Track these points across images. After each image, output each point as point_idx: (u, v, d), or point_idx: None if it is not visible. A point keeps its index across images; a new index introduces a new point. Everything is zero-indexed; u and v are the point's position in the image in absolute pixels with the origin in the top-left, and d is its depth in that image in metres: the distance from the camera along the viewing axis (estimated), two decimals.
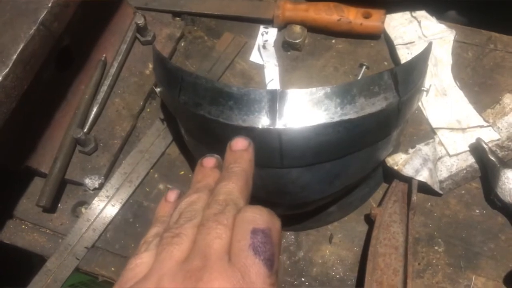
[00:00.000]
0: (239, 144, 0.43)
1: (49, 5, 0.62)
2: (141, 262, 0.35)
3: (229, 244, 0.33)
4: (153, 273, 0.33)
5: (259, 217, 0.35)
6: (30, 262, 0.87)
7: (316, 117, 0.54)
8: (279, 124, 0.53)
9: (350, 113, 0.54)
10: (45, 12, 0.62)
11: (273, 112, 0.54)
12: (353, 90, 0.55)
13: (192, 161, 0.76)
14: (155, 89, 0.68)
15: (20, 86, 0.62)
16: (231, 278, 0.31)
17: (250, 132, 0.53)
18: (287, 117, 0.53)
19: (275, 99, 0.53)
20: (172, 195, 0.44)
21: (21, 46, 0.60)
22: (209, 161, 0.44)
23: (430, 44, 0.65)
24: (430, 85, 0.68)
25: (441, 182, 0.71)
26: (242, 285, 0.31)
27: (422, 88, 0.65)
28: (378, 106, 0.56)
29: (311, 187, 0.60)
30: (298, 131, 0.54)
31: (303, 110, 0.54)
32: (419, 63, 0.62)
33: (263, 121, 0.54)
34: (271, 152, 0.55)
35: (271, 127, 0.54)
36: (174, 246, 0.34)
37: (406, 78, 0.59)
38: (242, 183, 0.40)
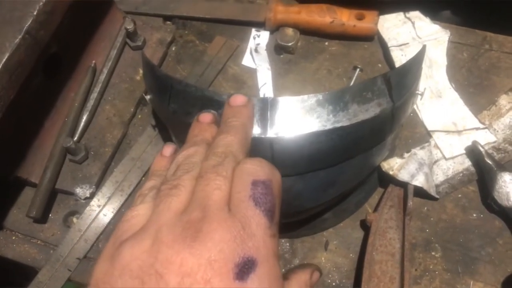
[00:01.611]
0: (238, 100, 0.42)
1: (34, 13, 0.60)
2: (138, 214, 0.34)
3: (228, 195, 0.33)
4: (151, 224, 0.32)
5: (260, 168, 0.34)
6: (22, 273, 0.85)
7: (308, 125, 0.53)
8: (271, 133, 0.52)
9: (343, 121, 0.53)
10: (30, 21, 0.60)
11: (264, 121, 0.52)
12: (346, 96, 0.53)
13: None
14: (145, 97, 0.67)
15: (6, 96, 0.60)
16: (232, 229, 0.30)
17: None
18: (278, 125, 0.52)
19: (266, 107, 0.52)
20: (168, 150, 0.43)
21: (6, 56, 0.58)
22: (206, 116, 0.43)
23: (424, 47, 0.64)
24: (425, 88, 0.67)
25: (437, 186, 0.70)
26: (242, 236, 0.30)
27: (417, 92, 0.64)
28: (372, 113, 0.54)
29: (305, 195, 0.58)
30: (290, 139, 0.52)
31: (295, 118, 0.53)
32: (413, 66, 0.61)
33: (254, 130, 0.52)
34: None
35: (262, 136, 0.52)
36: (172, 198, 0.33)
37: (400, 82, 0.58)
38: (241, 136, 0.39)
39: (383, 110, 0.55)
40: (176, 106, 0.58)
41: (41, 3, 0.61)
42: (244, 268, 0.29)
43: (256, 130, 0.52)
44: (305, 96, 0.53)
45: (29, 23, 0.60)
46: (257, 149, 0.53)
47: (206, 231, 0.30)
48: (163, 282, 0.28)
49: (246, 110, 0.42)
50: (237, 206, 0.32)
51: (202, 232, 0.30)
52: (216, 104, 0.54)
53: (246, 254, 0.30)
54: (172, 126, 0.64)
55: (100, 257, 0.32)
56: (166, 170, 0.38)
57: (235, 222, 0.31)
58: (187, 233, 0.30)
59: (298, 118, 0.53)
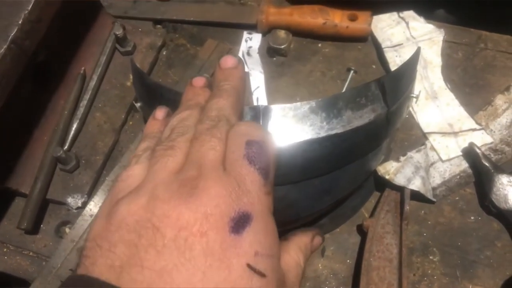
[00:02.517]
0: (228, 62, 0.42)
1: (20, 22, 0.59)
2: (133, 173, 0.35)
3: (223, 155, 0.33)
4: (147, 182, 0.32)
5: (254, 129, 0.35)
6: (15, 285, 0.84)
7: (301, 133, 0.51)
8: None
9: (337, 128, 0.52)
10: (15, 30, 0.59)
11: None
12: (339, 103, 0.52)
13: None
14: (136, 104, 0.65)
15: None
16: (227, 185, 0.31)
17: None
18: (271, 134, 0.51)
19: (258, 116, 0.51)
20: (160, 113, 0.43)
21: None
22: (199, 80, 0.43)
23: (418, 49, 0.63)
24: (420, 91, 0.66)
25: (434, 188, 0.69)
26: (237, 192, 0.31)
27: (412, 95, 0.63)
28: (366, 119, 0.53)
29: (300, 204, 0.57)
30: (284, 148, 0.51)
31: (288, 126, 0.51)
32: (408, 70, 0.60)
33: None
34: None
35: None
36: (168, 158, 0.34)
37: (394, 87, 0.57)
38: (234, 99, 0.39)
39: (377, 115, 0.54)
40: None
41: (26, 12, 0.60)
42: (240, 222, 0.30)
43: None
44: (298, 104, 0.51)
45: (14, 32, 0.59)
46: None
47: (202, 188, 0.30)
48: (160, 235, 0.29)
49: (237, 71, 0.42)
50: (232, 165, 0.33)
51: (198, 188, 0.30)
52: None
53: (241, 209, 0.30)
54: None
55: (96, 216, 0.34)
56: (160, 132, 0.39)
57: (230, 179, 0.31)
58: (183, 190, 0.31)
59: (291, 126, 0.51)
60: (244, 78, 0.42)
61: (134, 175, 0.35)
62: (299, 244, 0.41)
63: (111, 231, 0.30)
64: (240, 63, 0.42)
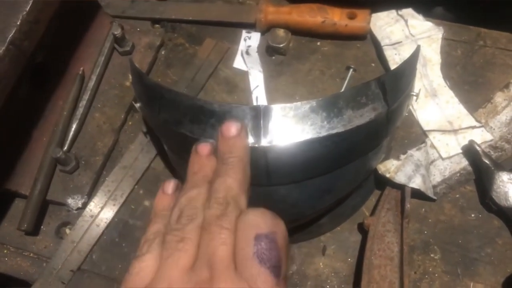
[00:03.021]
0: (231, 130, 0.42)
1: (18, 23, 0.59)
2: (146, 265, 0.35)
3: (233, 249, 0.33)
4: (161, 281, 0.33)
5: (262, 220, 0.34)
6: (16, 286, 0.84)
7: (302, 133, 0.51)
8: (264, 142, 0.51)
9: (338, 127, 0.52)
10: (13, 31, 0.59)
11: (257, 130, 0.51)
12: (340, 102, 0.52)
13: (178, 175, 0.73)
14: (135, 105, 0.65)
15: None
16: None
17: None
18: (272, 134, 0.51)
19: (258, 116, 0.51)
20: (169, 187, 0.43)
21: None
22: (204, 148, 0.43)
23: (418, 47, 0.63)
24: (420, 89, 0.66)
25: (434, 186, 0.69)
26: None
27: (412, 93, 0.63)
28: (367, 118, 0.53)
29: (301, 203, 0.57)
30: (284, 148, 0.51)
31: (289, 126, 0.51)
32: (407, 68, 0.60)
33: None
34: (258, 171, 0.53)
35: (256, 145, 0.51)
36: (180, 253, 0.34)
37: (395, 85, 0.56)
38: (240, 175, 0.39)
39: (378, 114, 0.54)
40: (167, 115, 0.57)
41: (24, 13, 0.59)
42: None
43: (250, 140, 0.51)
44: (298, 103, 0.51)
45: (12, 33, 0.59)
46: (251, 159, 0.52)
47: None
48: None
49: (240, 141, 0.41)
50: (243, 263, 0.32)
51: None
52: (207, 113, 0.53)
53: None
54: (163, 135, 0.63)
55: None
56: (169, 210, 0.39)
57: (242, 282, 0.31)
58: None
59: (291, 126, 0.51)
60: (248, 146, 0.41)
61: (147, 267, 0.35)
62: None
63: None
64: (243, 129, 0.42)
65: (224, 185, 0.37)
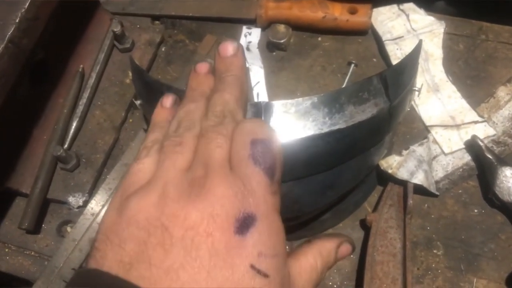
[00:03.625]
0: (228, 48, 0.42)
1: (17, 20, 0.58)
2: (143, 167, 0.36)
3: (229, 153, 0.34)
4: (158, 179, 0.33)
5: (259, 128, 0.35)
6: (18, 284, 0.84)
7: (303, 129, 0.51)
8: None
9: (340, 123, 0.52)
10: (12, 29, 0.58)
11: None
12: (341, 98, 0.52)
13: None
14: (135, 102, 0.65)
15: None
16: (233, 185, 0.31)
17: None
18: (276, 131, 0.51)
19: (259, 112, 0.51)
20: (167, 101, 0.44)
21: None
22: (202, 66, 0.44)
23: (420, 42, 0.62)
24: (422, 84, 0.65)
25: (437, 182, 0.69)
26: (243, 193, 0.31)
27: (414, 88, 0.62)
28: (369, 113, 0.53)
29: (303, 200, 0.57)
30: (286, 145, 0.51)
31: (290, 122, 0.51)
32: (409, 63, 0.59)
33: None
34: None
35: None
36: (177, 155, 0.35)
37: (396, 80, 0.56)
38: (237, 91, 0.40)
39: (380, 110, 0.54)
40: None
41: (23, 10, 0.59)
42: (244, 223, 0.31)
43: None
44: (300, 99, 0.51)
45: (11, 31, 0.58)
46: None
47: (208, 187, 0.31)
48: (168, 234, 0.30)
49: (237, 60, 0.42)
50: (238, 164, 0.33)
51: (205, 188, 0.31)
52: None
53: (246, 210, 0.31)
54: None
55: (108, 208, 0.34)
56: (168, 122, 0.40)
57: (236, 179, 0.32)
58: (192, 189, 0.31)
59: (293, 122, 0.51)
60: (245, 66, 0.42)
61: (145, 169, 0.36)
62: (320, 249, 0.40)
63: (121, 226, 0.32)
64: (240, 49, 0.42)
65: (222, 100, 0.38)
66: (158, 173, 0.34)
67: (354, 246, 0.42)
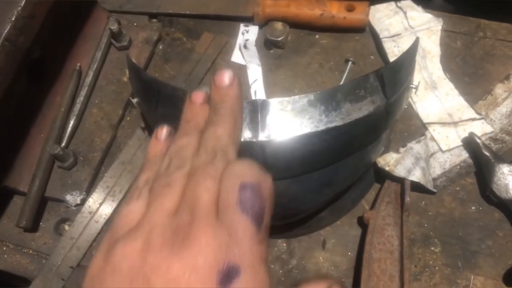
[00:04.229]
0: (223, 78, 0.41)
1: (12, 18, 0.58)
2: (133, 209, 0.35)
3: (217, 196, 0.33)
4: (144, 224, 0.33)
5: (248, 171, 0.34)
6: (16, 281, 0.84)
7: (300, 127, 0.51)
8: (262, 136, 0.51)
9: (336, 120, 0.52)
10: (8, 27, 0.58)
11: (255, 124, 0.51)
12: (338, 95, 0.52)
13: None
14: (132, 100, 0.65)
15: None
16: (218, 235, 0.30)
17: None
18: (269, 128, 0.51)
19: (256, 110, 0.51)
20: (162, 133, 0.43)
21: None
22: (198, 96, 0.43)
23: (417, 39, 0.62)
24: (419, 82, 0.65)
25: (434, 179, 0.69)
26: (228, 243, 0.30)
27: (411, 86, 0.62)
28: (365, 111, 0.53)
29: (300, 197, 0.57)
30: (282, 142, 0.51)
31: (286, 120, 0.51)
32: (406, 61, 0.59)
33: (245, 134, 0.51)
34: None
35: (254, 140, 0.51)
36: (165, 198, 0.34)
37: (393, 78, 0.56)
38: (231, 125, 0.39)
39: (377, 107, 0.54)
40: (164, 110, 0.56)
41: (19, 8, 0.59)
42: (228, 275, 0.30)
43: (247, 134, 0.51)
44: (296, 97, 0.51)
45: (7, 29, 0.58)
46: (249, 153, 0.51)
47: (193, 237, 0.30)
48: (150, 285, 0.29)
49: (233, 90, 0.41)
50: (225, 211, 0.32)
51: (189, 238, 0.30)
52: None
53: (230, 261, 0.30)
54: None
55: (97, 251, 0.34)
56: (161, 157, 0.39)
57: (222, 228, 0.31)
58: (176, 238, 0.31)
59: (289, 119, 0.51)
60: (241, 97, 0.41)
61: (134, 211, 0.35)
62: None
63: (106, 274, 0.31)
64: (236, 78, 0.41)
65: (214, 135, 0.38)
66: (145, 216, 0.34)
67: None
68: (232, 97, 0.41)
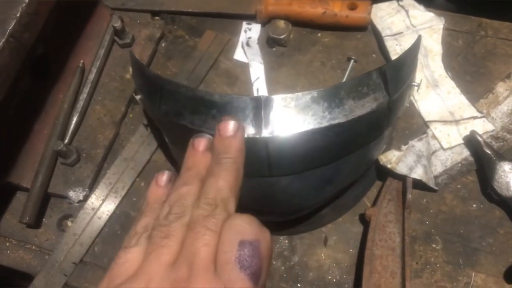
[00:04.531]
0: (228, 128, 0.42)
1: (17, 15, 0.59)
2: (131, 257, 0.36)
3: (215, 251, 0.33)
4: (142, 276, 0.33)
5: (248, 227, 0.34)
6: (18, 276, 0.85)
7: (303, 123, 0.51)
8: (265, 133, 0.51)
9: (339, 117, 0.52)
10: (13, 23, 0.58)
11: (258, 120, 0.51)
12: (341, 92, 0.52)
13: (179, 167, 0.73)
14: (135, 97, 0.65)
15: None
16: None
17: None
18: (273, 124, 0.51)
19: (259, 106, 0.51)
20: (162, 179, 0.44)
21: None
22: (200, 142, 0.43)
23: (419, 37, 0.63)
24: (421, 80, 0.65)
25: (436, 177, 0.69)
26: None
27: (413, 83, 0.62)
28: (368, 108, 0.53)
29: (303, 194, 0.57)
30: (286, 138, 0.51)
31: (290, 116, 0.51)
32: (409, 58, 0.59)
33: (248, 130, 0.51)
34: (259, 162, 0.53)
35: (257, 136, 0.51)
36: (163, 249, 0.34)
37: (396, 75, 0.56)
38: (232, 177, 0.39)
39: (379, 104, 0.54)
40: (167, 107, 0.56)
41: (24, 5, 0.59)
42: None
43: (251, 130, 0.51)
44: (299, 94, 0.51)
45: (12, 25, 0.58)
46: (252, 149, 0.52)
47: None
48: None
49: (236, 142, 0.42)
50: (223, 267, 0.32)
51: None
52: (207, 104, 0.53)
53: None
54: (164, 127, 0.63)
55: None
56: (161, 203, 0.39)
57: (219, 284, 0.31)
58: None
59: (292, 116, 0.51)
60: (243, 148, 0.41)
61: (132, 259, 0.35)
62: None
63: None
64: (240, 130, 0.42)
65: (215, 187, 0.38)
66: (143, 267, 0.34)
67: None
68: (234, 149, 0.41)
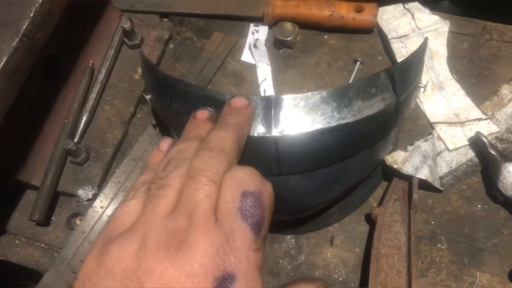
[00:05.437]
0: (239, 102, 0.42)
1: (31, 14, 0.59)
2: (128, 210, 0.35)
3: (216, 201, 0.33)
4: (139, 226, 0.33)
5: (250, 179, 0.34)
6: (27, 274, 0.85)
7: (312, 123, 0.52)
8: (275, 132, 0.52)
9: (348, 117, 0.53)
10: (27, 23, 0.59)
11: (268, 119, 0.52)
12: (350, 93, 0.53)
13: None
14: (145, 96, 0.66)
15: (5, 100, 0.59)
16: (215, 241, 0.30)
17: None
18: (283, 123, 0.52)
19: (269, 106, 0.52)
20: (164, 144, 0.43)
21: (3, 60, 0.57)
22: (203, 113, 0.43)
23: (426, 39, 0.64)
24: (427, 81, 0.66)
25: (441, 178, 0.70)
26: (225, 249, 0.30)
27: (419, 85, 0.63)
28: (376, 108, 0.54)
29: (310, 193, 0.58)
30: (295, 137, 0.52)
31: (299, 116, 0.52)
32: (416, 60, 0.60)
33: (258, 129, 0.52)
34: (268, 160, 0.54)
35: (267, 135, 0.52)
36: (160, 199, 0.34)
37: (403, 76, 0.57)
38: (237, 134, 0.38)
39: (387, 105, 0.55)
40: (178, 106, 0.57)
41: (37, 5, 0.60)
42: (223, 282, 0.30)
43: (261, 129, 0.52)
44: (309, 94, 0.52)
45: (26, 25, 0.59)
46: (262, 148, 0.53)
47: (189, 242, 0.30)
48: None
49: (245, 111, 0.42)
50: (224, 217, 0.32)
51: (185, 243, 0.30)
52: (218, 104, 0.53)
53: (226, 269, 0.30)
54: (174, 125, 0.63)
55: (90, 251, 0.33)
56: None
57: (220, 235, 0.31)
58: (172, 243, 0.30)
59: (302, 115, 0.52)
60: (252, 118, 0.41)
61: (129, 212, 0.35)
62: None
63: (99, 275, 0.31)
64: (251, 104, 0.41)
65: (218, 137, 0.37)
66: (140, 218, 0.33)
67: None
68: (243, 114, 0.40)
